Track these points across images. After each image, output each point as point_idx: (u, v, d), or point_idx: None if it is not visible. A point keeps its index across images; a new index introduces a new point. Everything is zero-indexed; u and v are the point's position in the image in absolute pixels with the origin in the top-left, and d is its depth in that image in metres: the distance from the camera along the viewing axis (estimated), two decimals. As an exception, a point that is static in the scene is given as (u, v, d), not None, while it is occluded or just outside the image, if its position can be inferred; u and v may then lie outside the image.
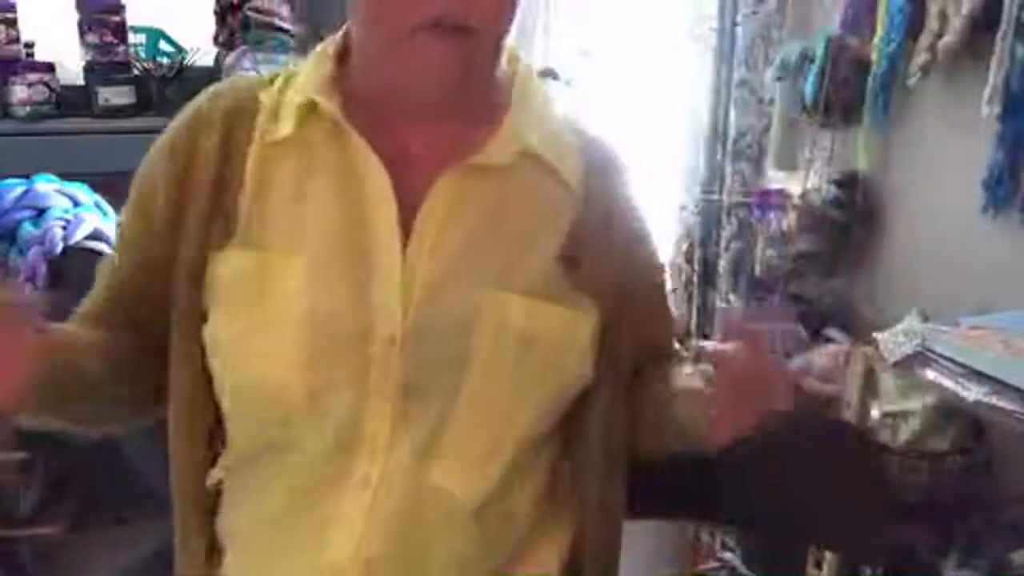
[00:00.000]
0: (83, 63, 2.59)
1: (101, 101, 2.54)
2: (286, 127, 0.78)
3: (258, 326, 0.77)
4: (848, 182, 1.85)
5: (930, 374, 1.25)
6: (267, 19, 2.48)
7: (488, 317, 0.78)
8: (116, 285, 0.86)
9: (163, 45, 2.71)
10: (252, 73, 2.46)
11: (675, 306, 2.35)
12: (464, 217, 0.79)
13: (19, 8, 2.50)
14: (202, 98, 0.83)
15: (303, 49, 2.75)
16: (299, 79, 0.80)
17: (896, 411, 1.50)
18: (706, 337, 2.32)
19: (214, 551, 0.87)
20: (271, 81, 0.82)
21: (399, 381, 0.77)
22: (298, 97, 0.78)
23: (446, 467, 0.78)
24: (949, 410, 1.47)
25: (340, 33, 0.83)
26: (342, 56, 0.81)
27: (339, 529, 0.77)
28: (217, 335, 0.79)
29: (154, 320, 0.83)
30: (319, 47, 0.84)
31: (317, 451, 0.78)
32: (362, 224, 0.77)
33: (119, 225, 0.88)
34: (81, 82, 2.59)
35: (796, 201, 1.86)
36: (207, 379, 0.81)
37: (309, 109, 0.78)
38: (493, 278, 0.79)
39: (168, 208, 0.80)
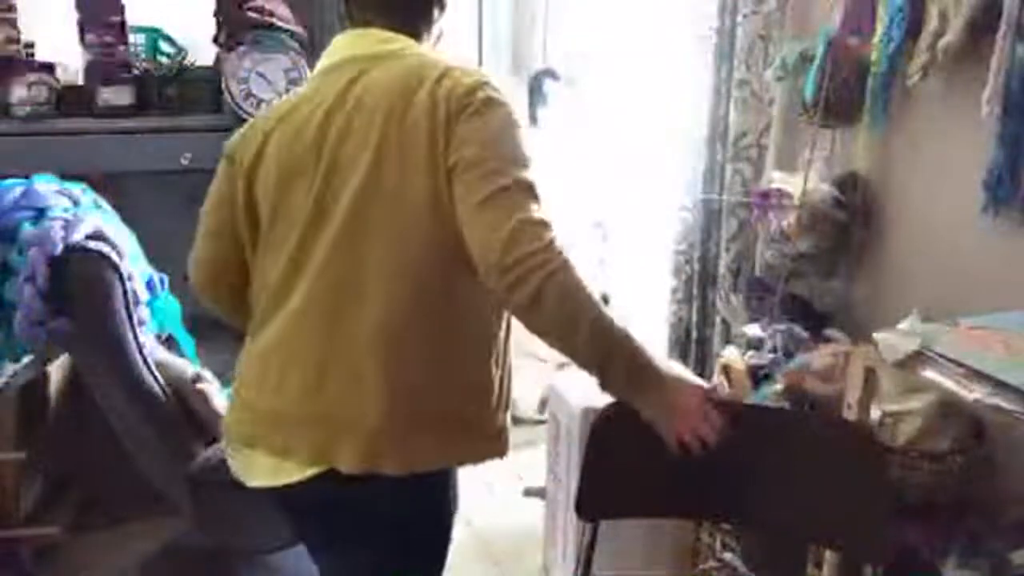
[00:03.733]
0: (83, 63, 2.59)
1: (101, 101, 2.54)
2: None
3: None
4: (848, 182, 1.85)
5: (930, 374, 1.25)
6: (267, 19, 2.48)
7: None
8: None
9: (163, 45, 2.71)
10: (252, 73, 2.47)
11: (675, 306, 2.35)
12: None
13: (19, 8, 2.50)
14: None
15: (303, 49, 2.74)
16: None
17: (896, 411, 1.50)
18: (707, 337, 2.32)
19: None
20: None
21: None
22: None
23: None
24: (949, 410, 1.47)
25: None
26: None
27: None
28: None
29: None
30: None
31: None
32: None
33: None
34: (81, 82, 2.59)
35: (796, 201, 1.86)
36: None
37: None
38: None
39: None
